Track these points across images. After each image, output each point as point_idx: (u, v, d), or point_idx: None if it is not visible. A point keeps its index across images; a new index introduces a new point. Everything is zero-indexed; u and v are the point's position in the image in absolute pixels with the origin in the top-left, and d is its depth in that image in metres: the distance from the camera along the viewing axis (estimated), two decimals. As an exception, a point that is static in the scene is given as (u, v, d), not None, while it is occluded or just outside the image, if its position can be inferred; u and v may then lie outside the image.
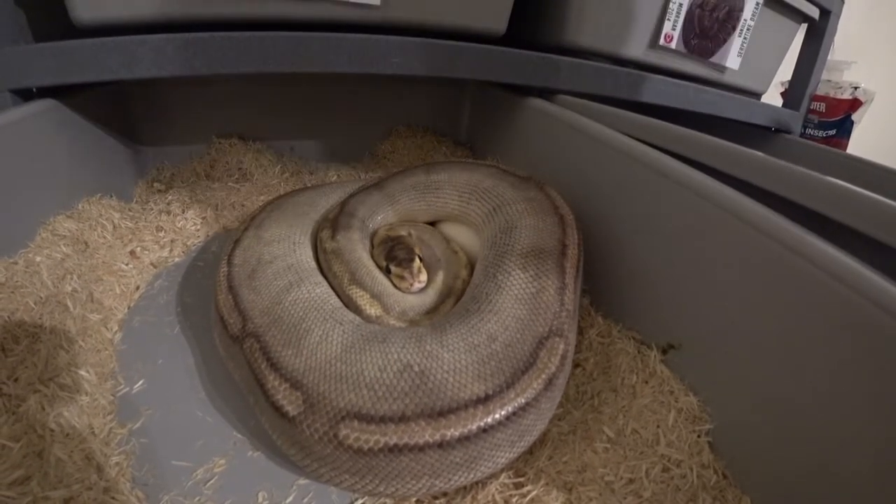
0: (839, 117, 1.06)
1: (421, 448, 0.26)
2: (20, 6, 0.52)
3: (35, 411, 0.32)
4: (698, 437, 0.33)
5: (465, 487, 0.31)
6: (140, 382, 0.38)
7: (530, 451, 0.33)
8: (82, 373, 0.36)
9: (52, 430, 0.31)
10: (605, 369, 0.38)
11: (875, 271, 0.25)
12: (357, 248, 0.40)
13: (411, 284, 0.37)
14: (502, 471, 0.31)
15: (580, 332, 0.42)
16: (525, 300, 0.33)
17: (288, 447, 0.30)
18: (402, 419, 0.26)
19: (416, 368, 0.28)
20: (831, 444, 0.26)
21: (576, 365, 0.39)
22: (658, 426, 0.33)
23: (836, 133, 1.06)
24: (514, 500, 0.30)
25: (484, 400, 0.27)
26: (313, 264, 0.40)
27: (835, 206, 0.36)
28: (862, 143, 1.07)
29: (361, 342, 0.31)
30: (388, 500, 0.31)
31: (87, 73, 0.47)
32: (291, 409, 0.28)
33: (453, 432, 0.26)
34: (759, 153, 0.42)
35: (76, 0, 0.46)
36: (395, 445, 0.26)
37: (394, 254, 0.39)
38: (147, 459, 0.32)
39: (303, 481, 0.32)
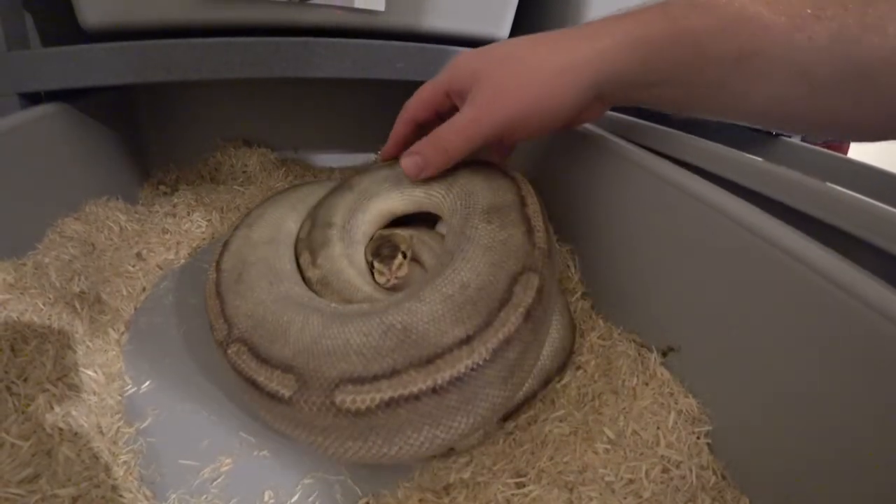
0: (840, 121, 1.06)
1: (416, 397, 0.27)
2: (29, 11, 0.53)
3: (44, 411, 0.32)
4: (698, 438, 0.33)
5: (466, 486, 0.31)
6: (147, 383, 0.38)
7: (532, 452, 0.33)
8: (90, 373, 0.36)
9: (61, 430, 0.32)
10: (605, 371, 0.38)
11: (874, 277, 0.26)
12: (343, 268, 0.40)
13: (388, 280, 0.38)
14: (503, 424, 0.33)
15: (581, 334, 0.42)
16: (494, 247, 0.33)
17: (291, 430, 0.31)
18: (394, 373, 0.27)
19: (399, 326, 0.29)
20: (830, 445, 0.26)
21: (577, 367, 0.39)
22: (658, 428, 0.34)
23: (836, 137, 1.06)
24: (515, 499, 0.30)
25: (467, 340, 0.28)
26: (294, 264, 0.41)
27: (834, 212, 0.36)
28: (863, 146, 1.08)
29: (342, 318, 0.32)
30: (390, 498, 0.31)
31: (94, 78, 0.48)
32: (286, 392, 0.28)
33: (444, 375, 0.27)
34: (759, 158, 0.42)
35: (84, 5, 0.46)
36: (392, 399, 0.27)
37: (379, 250, 0.40)
38: (154, 458, 0.33)
39: (308, 480, 0.32)
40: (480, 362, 0.27)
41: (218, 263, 0.40)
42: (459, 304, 0.30)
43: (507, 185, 0.39)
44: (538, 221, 0.35)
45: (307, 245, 0.41)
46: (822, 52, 0.30)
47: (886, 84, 0.29)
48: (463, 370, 0.27)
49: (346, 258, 0.41)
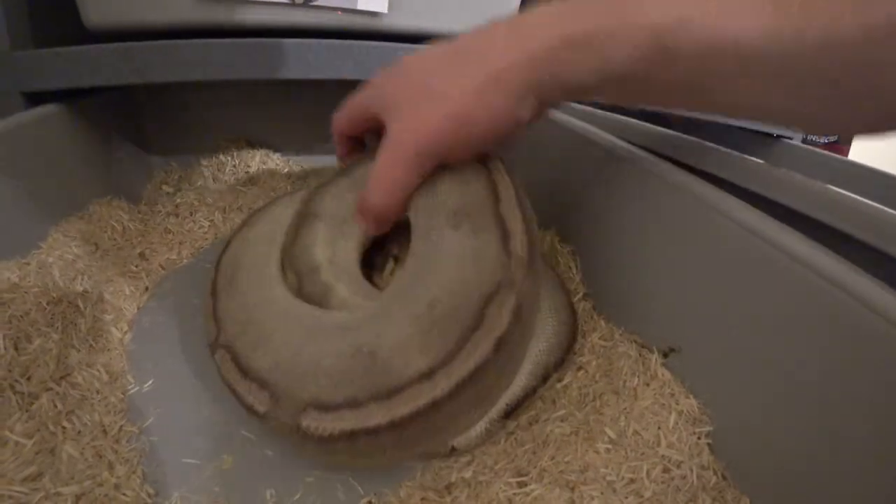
0: (841, 124, 1.06)
1: (375, 431, 0.26)
2: (33, 10, 0.53)
3: (47, 409, 0.32)
4: (698, 438, 0.33)
5: (468, 485, 0.31)
6: (150, 382, 0.38)
7: (533, 452, 0.33)
8: (93, 372, 0.36)
9: (64, 428, 0.32)
10: (606, 372, 0.39)
11: (874, 279, 0.26)
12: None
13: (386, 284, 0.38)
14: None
15: (583, 335, 0.42)
16: (465, 259, 0.30)
17: (270, 434, 0.33)
18: (356, 405, 0.27)
19: (366, 350, 0.28)
20: (830, 445, 0.26)
21: (578, 368, 0.39)
22: (659, 428, 0.34)
23: (837, 139, 1.07)
24: (517, 498, 0.30)
25: (428, 375, 0.26)
26: (277, 263, 0.40)
27: (835, 213, 0.36)
28: (863, 148, 1.08)
29: (322, 334, 0.31)
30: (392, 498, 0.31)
31: (98, 78, 0.48)
32: (260, 408, 0.29)
33: (403, 411, 0.26)
34: (760, 160, 0.42)
35: (88, 5, 0.47)
36: (352, 431, 0.26)
37: (372, 259, 0.40)
38: (157, 457, 0.33)
39: (310, 479, 0.32)
40: (443, 397, 0.26)
41: (218, 263, 0.40)
42: (426, 329, 0.28)
43: (477, 176, 0.33)
44: (515, 223, 0.31)
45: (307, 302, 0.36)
46: (812, 45, 0.24)
47: (883, 78, 0.24)
48: (422, 406, 0.26)
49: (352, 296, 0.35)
